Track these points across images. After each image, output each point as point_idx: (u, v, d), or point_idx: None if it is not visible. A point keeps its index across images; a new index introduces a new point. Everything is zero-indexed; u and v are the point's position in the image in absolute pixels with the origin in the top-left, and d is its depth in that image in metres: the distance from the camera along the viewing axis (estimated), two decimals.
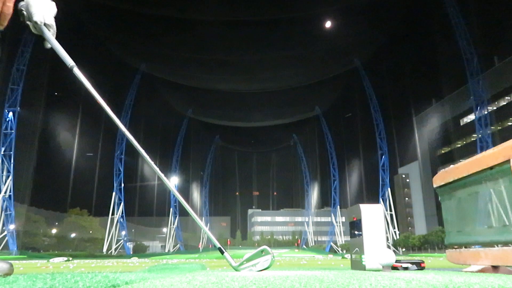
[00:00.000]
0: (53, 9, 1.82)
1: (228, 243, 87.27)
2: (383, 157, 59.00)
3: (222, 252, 2.16)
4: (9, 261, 1.89)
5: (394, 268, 3.92)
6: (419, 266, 4.30)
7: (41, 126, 53.05)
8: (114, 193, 59.63)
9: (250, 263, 2.18)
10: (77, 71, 1.97)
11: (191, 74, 62.68)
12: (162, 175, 2.30)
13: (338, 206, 71.44)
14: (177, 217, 71.37)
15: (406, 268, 4.17)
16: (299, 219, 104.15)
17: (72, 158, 62.95)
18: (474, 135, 48.29)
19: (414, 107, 66.69)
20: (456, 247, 3.50)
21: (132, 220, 72.39)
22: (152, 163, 2.29)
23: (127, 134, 2.26)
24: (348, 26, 55.23)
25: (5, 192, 43.22)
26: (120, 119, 2.35)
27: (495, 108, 51.66)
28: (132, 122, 60.93)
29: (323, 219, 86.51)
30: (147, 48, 59.07)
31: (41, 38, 1.78)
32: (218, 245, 2.09)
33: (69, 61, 1.91)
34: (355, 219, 4.24)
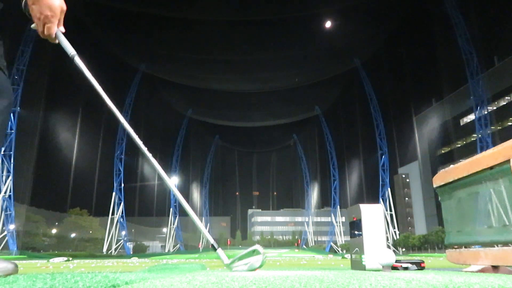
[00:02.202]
0: None
1: (228, 243, 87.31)
2: (383, 157, 59.01)
3: (215, 249, 2.15)
4: (14, 261, 1.89)
5: (394, 268, 3.92)
6: (419, 266, 4.30)
7: (41, 126, 53.07)
8: (114, 193, 59.65)
9: (241, 262, 2.18)
10: (78, 60, 1.97)
11: (191, 74, 62.70)
12: (160, 169, 2.29)
13: (338, 206, 71.47)
14: (177, 217, 71.38)
15: (406, 268, 4.17)
16: (299, 219, 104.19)
17: (72, 158, 62.96)
18: (474, 135, 48.30)
19: (414, 107, 66.78)
20: (456, 247, 3.50)
21: (132, 220, 72.42)
22: (151, 156, 2.27)
23: (127, 128, 2.24)
24: (348, 26, 55.26)
25: (5, 192, 43.22)
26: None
27: (495, 108, 51.67)
28: (132, 122, 60.90)
29: (323, 219, 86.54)
30: (147, 48, 59.10)
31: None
32: (212, 241, 2.08)
33: (70, 49, 1.92)
34: (355, 219, 4.25)
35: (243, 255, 2.14)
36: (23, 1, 1.71)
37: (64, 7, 1.76)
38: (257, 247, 2.17)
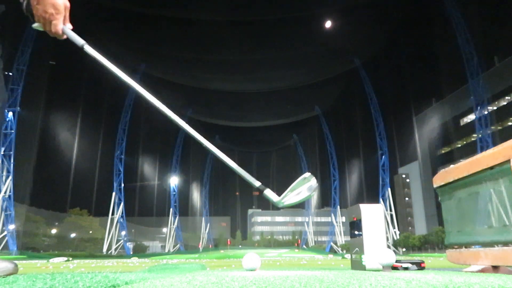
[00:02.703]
0: None
1: (228, 243, 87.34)
2: (383, 157, 58.99)
3: (262, 191, 2.01)
4: (14, 261, 1.89)
5: (394, 268, 3.92)
6: (419, 266, 4.30)
7: (41, 126, 53.08)
8: (114, 193, 59.63)
9: (293, 193, 2.10)
10: (88, 49, 1.98)
11: (191, 74, 62.68)
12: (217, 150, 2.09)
13: (338, 206, 71.46)
14: (177, 217, 71.37)
15: (406, 268, 4.17)
16: (299, 219, 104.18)
17: (72, 158, 62.95)
18: (474, 135, 48.28)
19: (414, 107, 66.78)
20: (456, 247, 3.50)
21: (132, 220, 72.42)
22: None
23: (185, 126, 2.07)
24: (348, 26, 55.23)
25: (5, 192, 43.20)
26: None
27: (495, 108, 51.67)
28: (132, 122, 61.00)
29: (323, 219, 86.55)
30: (147, 48, 59.07)
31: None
32: (258, 183, 1.94)
33: (79, 41, 1.93)
34: (355, 219, 4.24)
35: (294, 185, 2.07)
36: (24, 2, 1.71)
37: (68, 4, 1.80)
38: (307, 174, 2.10)
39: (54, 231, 67.51)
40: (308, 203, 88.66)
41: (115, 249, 60.51)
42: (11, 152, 43.60)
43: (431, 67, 56.51)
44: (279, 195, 1.85)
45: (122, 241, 61.57)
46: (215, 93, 68.39)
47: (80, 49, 1.95)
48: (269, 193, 2.04)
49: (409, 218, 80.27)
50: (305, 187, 2.15)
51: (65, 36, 1.87)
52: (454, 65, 44.56)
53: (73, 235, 68.34)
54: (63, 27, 1.81)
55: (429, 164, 69.37)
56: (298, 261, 18.95)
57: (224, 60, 61.00)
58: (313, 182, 2.14)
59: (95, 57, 2.02)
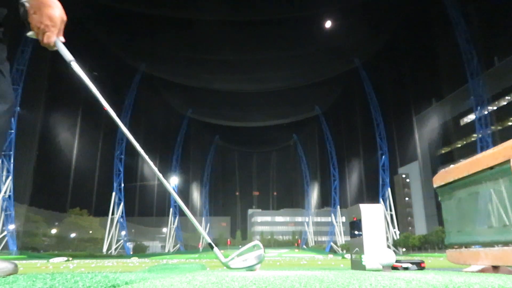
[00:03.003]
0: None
1: (228, 243, 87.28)
2: (383, 157, 59.00)
3: (212, 248, 2.14)
4: (14, 261, 1.89)
5: (394, 268, 3.92)
6: (419, 266, 4.30)
7: (41, 126, 53.08)
8: (114, 193, 59.64)
9: (240, 258, 2.15)
10: (75, 66, 2.00)
11: (191, 74, 62.69)
12: (157, 171, 2.29)
13: (338, 206, 71.45)
14: (177, 217, 71.38)
15: (406, 268, 4.17)
16: (299, 219, 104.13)
17: (72, 158, 62.96)
18: (474, 135, 48.29)
19: (414, 107, 66.80)
20: (456, 247, 3.50)
21: (132, 220, 72.43)
22: (144, 155, 2.28)
23: (126, 132, 2.26)
24: (348, 26, 55.27)
25: (5, 192, 43.21)
26: (120, 119, 2.35)
27: (495, 108, 51.67)
28: (132, 122, 60.97)
29: (323, 219, 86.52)
30: (147, 48, 59.08)
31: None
32: (209, 240, 2.07)
33: (68, 56, 1.96)
34: (355, 219, 4.25)
35: (243, 251, 2.12)
36: (21, 9, 1.73)
37: (65, 18, 1.82)
38: (256, 242, 2.15)
39: (54, 231, 67.51)
40: (308, 203, 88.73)
41: (115, 249, 60.51)
42: (11, 152, 43.60)
43: (431, 67, 56.53)
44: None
45: (122, 241, 61.59)
46: (215, 93, 68.42)
47: (67, 64, 1.98)
48: (217, 252, 2.10)
49: (409, 218, 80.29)
50: (253, 254, 2.17)
51: (55, 48, 1.90)
52: (454, 65, 44.57)
53: (73, 235, 68.34)
54: (56, 39, 1.84)
55: (429, 164, 69.39)
56: (298, 261, 18.96)
57: (224, 60, 61.02)
58: (261, 251, 2.17)
59: (80, 76, 2.06)
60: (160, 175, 2.27)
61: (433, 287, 1.39)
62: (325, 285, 1.49)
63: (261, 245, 2.13)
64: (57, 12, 1.76)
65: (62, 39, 1.90)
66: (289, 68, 62.83)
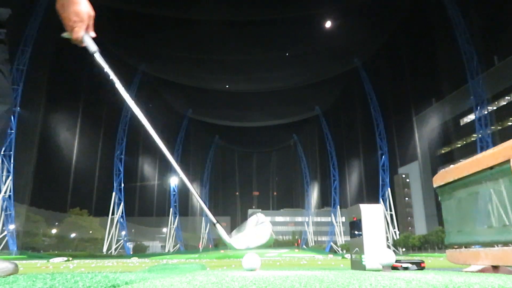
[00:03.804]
0: None
1: None
2: (383, 157, 58.99)
3: (215, 226, 2.05)
4: (14, 261, 1.89)
5: (394, 268, 3.92)
6: (419, 266, 4.30)
7: (41, 126, 53.01)
8: (114, 193, 59.63)
9: (245, 237, 2.06)
10: (98, 57, 2.01)
11: (191, 74, 62.68)
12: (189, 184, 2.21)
13: (338, 206, 71.44)
14: (177, 217, 71.37)
15: (406, 268, 4.17)
16: (299, 219, 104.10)
17: (72, 158, 62.91)
18: (474, 135, 48.28)
19: (414, 107, 66.74)
20: (456, 247, 3.50)
21: (132, 220, 72.39)
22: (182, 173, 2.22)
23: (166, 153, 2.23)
24: (348, 26, 55.25)
25: (5, 192, 43.19)
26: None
27: (495, 108, 51.65)
28: (132, 123, 60.93)
29: (323, 219, 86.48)
30: (147, 48, 59.07)
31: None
32: (214, 220, 2.00)
33: (92, 47, 1.97)
34: (355, 219, 4.25)
35: (246, 230, 2.06)
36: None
37: (92, 13, 1.85)
38: (259, 215, 2.08)
39: (54, 231, 67.50)
40: (308, 203, 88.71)
41: (115, 249, 60.51)
42: (11, 152, 43.59)
43: (431, 67, 56.48)
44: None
45: (122, 241, 61.58)
46: (215, 93, 68.42)
47: (90, 55, 1.98)
48: (221, 231, 2.00)
49: (409, 218, 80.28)
50: (259, 231, 2.02)
51: (84, 44, 1.90)
52: (454, 65, 44.56)
53: (73, 235, 68.32)
54: (84, 34, 1.84)
55: (429, 164, 69.37)
56: (298, 261, 18.95)
57: (224, 60, 61.02)
58: (267, 226, 2.05)
59: (102, 66, 2.06)
60: (192, 189, 2.14)
61: (433, 287, 1.39)
62: (325, 285, 1.49)
63: (264, 217, 2.04)
64: (84, 8, 1.79)
65: (93, 34, 1.91)
66: (289, 68, 62.84)
